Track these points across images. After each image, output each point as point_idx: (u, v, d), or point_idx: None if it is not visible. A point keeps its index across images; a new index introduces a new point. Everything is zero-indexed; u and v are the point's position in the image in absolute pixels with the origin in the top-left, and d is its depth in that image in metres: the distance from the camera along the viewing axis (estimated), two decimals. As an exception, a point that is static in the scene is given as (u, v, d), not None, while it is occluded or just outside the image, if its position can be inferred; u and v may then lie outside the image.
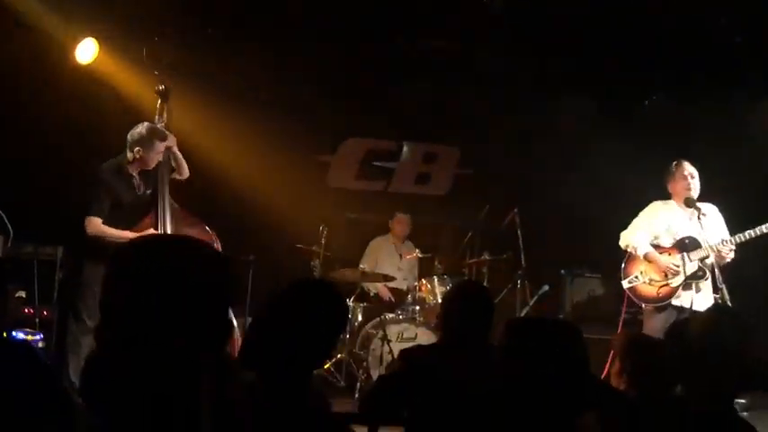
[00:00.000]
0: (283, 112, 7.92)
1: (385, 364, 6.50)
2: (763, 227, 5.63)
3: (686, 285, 5.80)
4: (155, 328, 1.27)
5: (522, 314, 7.10)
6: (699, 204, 5.78)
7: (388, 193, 9.12)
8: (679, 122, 7.94)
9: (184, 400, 1.28)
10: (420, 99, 8.26)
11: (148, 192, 5.38)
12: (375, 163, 9.07)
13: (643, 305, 6.01)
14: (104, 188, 5.16)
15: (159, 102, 5.49)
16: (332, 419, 2.11)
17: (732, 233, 5.78)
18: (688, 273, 5.77)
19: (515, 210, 7.34)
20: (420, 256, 7.66)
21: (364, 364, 6.79)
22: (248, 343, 2.15)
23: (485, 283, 7.19)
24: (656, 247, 5.95)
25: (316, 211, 7.87)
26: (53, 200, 5.99)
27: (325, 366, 6.92)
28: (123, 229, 5.14)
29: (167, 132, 5.40)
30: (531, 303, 7.18)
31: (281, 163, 7.89)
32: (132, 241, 1.43)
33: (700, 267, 5.78)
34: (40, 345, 5.88)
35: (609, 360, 5.56)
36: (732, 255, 5.69)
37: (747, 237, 5.66)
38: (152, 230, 5.17)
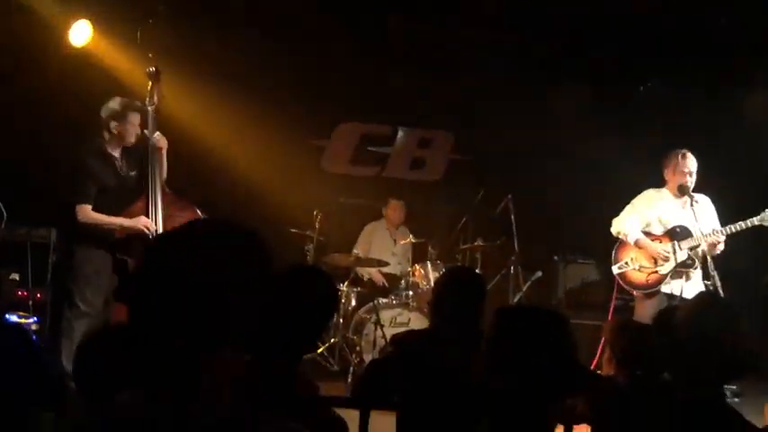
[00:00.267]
0: (278, 96, 7.90)
1: (378, 348, 6.52)
2: (755, 219, 5.64)
3: (676, 273, 5.83)
4: (158, 327, 1.27)
5: (515, 300, 7.14)
6: (692, 194, 5.79)
7: (382, 178, 9.12)
8: (673, 109, 7.94)
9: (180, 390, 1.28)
10: (415, 84, 8.24)
11: (132, 173, 5.34)
12: (370, 148, 9.06)
13: (633, 292, 6.04)
14: (89, 174, 5.12)
15: (150, 84, 5.43)
16: (319, 405, 2.12)
17: (724, 224, 5.80)
18: (678, 261, 5.79)
19: (509, 196, 7.35)
20: (414, 241, 7.67)
21: (357, 348, 6.81)
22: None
23: (478, 269, 7.21)
24: (648, 234, 5.97)
25: (309, 196, 7.88)
26: (46, 182, 5.97)
27: (319, 350, 6.95)
28: (112, 212, 5.12)
29: (158, 135, 5.34)
30: (524, 289, 7.22)
31: (275, 147, 7.88)
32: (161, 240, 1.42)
33: (689, 256, 5.80)
34: (34, 327, 5.89)
35: (600, 346, 5.62)
36: (722, 246, 5.70)
37: (738, 228, 5.68)
38: (143, 217, 5.15)
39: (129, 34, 6.87)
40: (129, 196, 5.28)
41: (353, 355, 6.81)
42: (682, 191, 5.82)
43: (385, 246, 8.05)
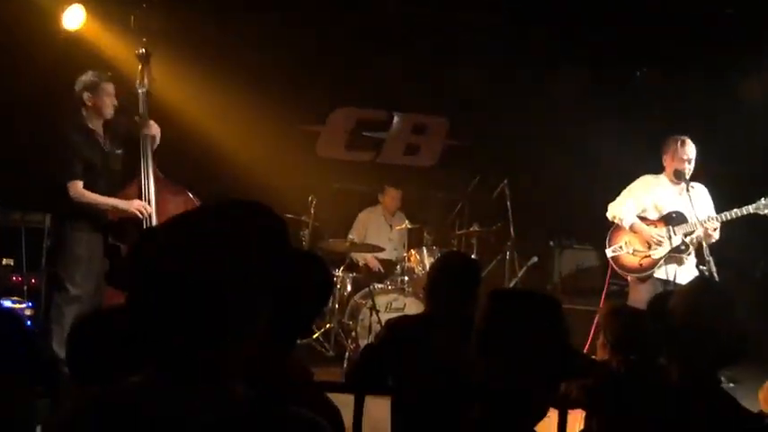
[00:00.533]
0: (273, 81, 7.87)
1: (374, 333, 6.52)
2: (750, 207, 5.64)
3: (669, 258, 5.83)
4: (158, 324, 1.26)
5: (511, 285, 7.14)
6: (688, 180, 5.79)
7: (377, 164, 9.10)
8: (671, 95, 7.93)
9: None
10: (411, 69, 8.21)
11: (118, 151, 5.31)
12: (365, 133, 9.04)
13: (627, 276, 6.05)
14: (73, 150, 5.08)
15: (140, 66, 5.37)
16: (311, 391, 2.11)
17: (721, 211, 5.79)
18: (672, 246, 5.80)
19: (505, 181, 7.35)
20: (409, 226, 7.66)
21: (353, 333, 6.82)
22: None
23: (474, 255, 7.22)
24: (643, 219, 5.97)
25: (305, 182, 7.86)
26: (40, 167, 5.94)
27: (314, 336, 6.96)
28: (100, 191, 5.09)
29: (151, 123, 5.29)
30: (520, 274, 7.22)
31: (270, 132, 7.86)
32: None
33: (683, 242, 5.80)
34: (28, 313, 5.88)
35: (592, 331, 5.64)
36: (717, 234, 5.70)
37: (733, 215, 5.67)
38: (137, 200, 5.13)
39: (123, 19, 6.83)
40: (115, 176, 5.24)
41: (349, 341, 6.82)
42: (678, 176, 5.81)
43: (381, 232, 8.05)
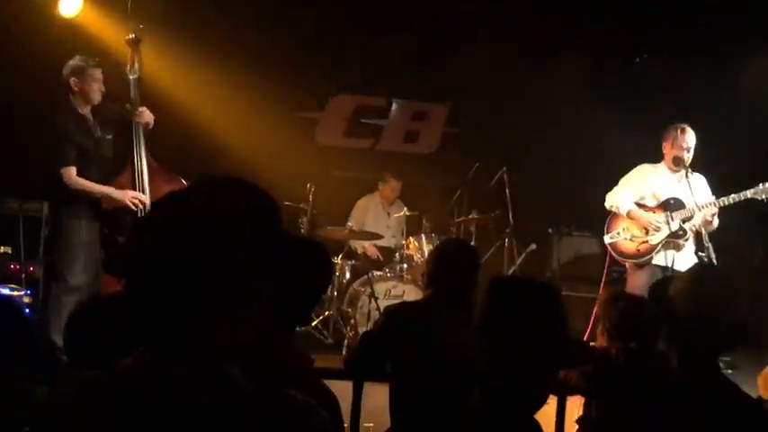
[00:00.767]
0: (272, 67, 7.84)
1: (372, 321, 6.53)
2: (748, 192, 5.63)
3: (667, 244, 5.83)
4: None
5: (510, 272, 7.14)
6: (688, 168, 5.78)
7: (376, 151, 9.09)
8: (672, 82, 7.91)
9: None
10: (410, 56, 8.18)
11: (108, 137, 5.28)
12: (363, 120, 9.02)
13: (625, 262, 6.05)
14: (65, 136, 5.06)
15: (130, 52, 5.32)
16: (310, 378, 2.11)
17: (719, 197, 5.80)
18: (669, 232, 5.80)
19: (504, 168, 7.33)
20: (408, 214, 7.65)
21: (352, 321, 6.83)
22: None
23: (472, 242, 7.21)
24: (641, 206, 5.96)
25: (303, 169, 7.84)
26: (37, 155, 5.92)
27: (313, 323, 6.96)
28: (91, 178, 5.07)
29: (144, 109, 5.25)
30: (519, 262, 7.22)
31: (268, 120, 7.83)
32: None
33: (681, 227, 5.80)
34: (26, 300, 5.88)
35: (592, 318, 5.64)
36: (716, 221, 5.69)
37: (731, 201, 5.67)
38: (130, 191, 5.11)
39: (120, 4, 6.78)
40: (107, 162, 5.21)
41: (348, 328, 6.83)
42: (677, 163, 5.81)
43: (379, 219, 8.03)
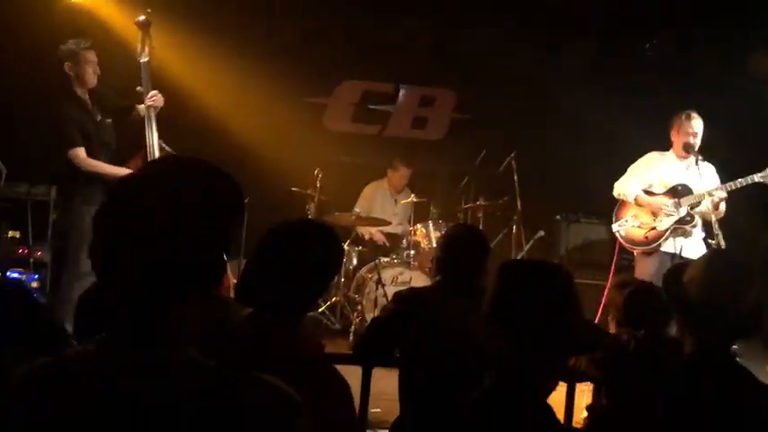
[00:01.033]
0: (279, 54, 7.81)
1: (379, 307, 6.53)
2: (756, 176, 5.60)
3: (675, 231, 5.82)
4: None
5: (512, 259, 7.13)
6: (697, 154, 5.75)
7: (383, 137, 9.06)
8: (679, 69, 7.86)
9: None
10: (417, 41, 8.14)
11: (108, 120, 5.27)
12: (371, 106, 8.98)
13: (633, 250, 6.03)
14: (69, 119, 5.04)
15: (140, 35, 5.26)
16: (322, 364, 2.10)
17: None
18: (676, 218, 5.78)
19: (513, 154, 7.30)
20: (415, 200, 7.63)
21: (359, 307, 6.83)
22: (245, 281, 2.13)
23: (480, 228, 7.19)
24: (649, 194, 5.95)
25: (310, 155, 7.82)
26: (45, 139, 5.92)
27: (320, 309, 6.97)
28: (101, 161, 5.06)
29: (155, 93, 5.23)
30: (526, 248, 7.21)
31: (275, 105, 7.81)
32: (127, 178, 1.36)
33: (689, 213, 5.79)
34: (34, 285, 5.89)
35: (601, 305, 5.63)
36: (723, 207, 5.67)
37: (739, 185, 5.65)
38: None
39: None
40: (110, 147, 5.20)
41: (355, 314, 6.84)
42: (687, 149, 5.79)
43: (386, 206, 8.02)
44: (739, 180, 5.65)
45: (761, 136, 7.37)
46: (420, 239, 7.30)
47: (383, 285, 6.65)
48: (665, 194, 5.90)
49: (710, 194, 5.63)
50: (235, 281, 4.95)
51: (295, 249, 2.11)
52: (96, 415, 1.19)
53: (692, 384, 2.15)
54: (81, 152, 5.01)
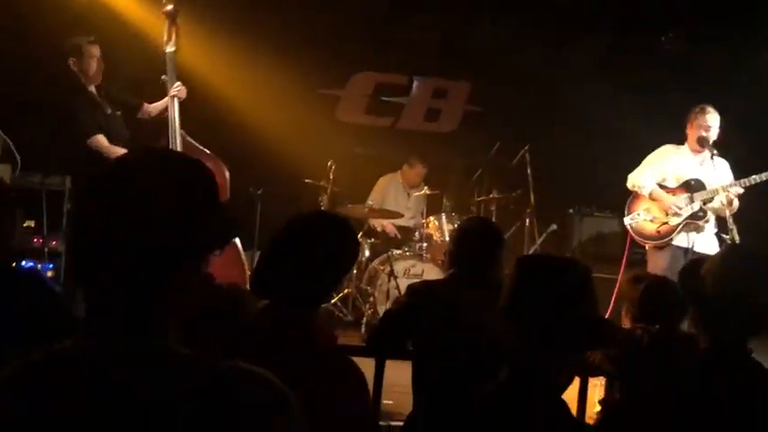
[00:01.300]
0: (293, 45, 7.80)
1: (391, 299, 6.54)
2: None
3: (687, 226, 5.80)
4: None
5: (530, 253, 7.12)
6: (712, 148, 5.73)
7: (396, 129, 9.05)
8: (694, 63, 7.81)
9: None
10: (431, 33, 8.12)
11: (118, 113, 5.27)
12: (384, 98, 8.97)
13: (645, 244, 6.01)
14: (83, 111, 5.07)
15: (167, 24, 5.29)
16: (338, 352, 2.11)
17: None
18: (690, 213, 5.77)
19: (526, 147, 7.28)
20: (428, 193, 7.63)
21: (371, 299, 6.84)
22: (260, 273, 2.14)
23: (492, 221, 7.18)
24: (663, 188, 5.94)
25: (324, 146, 7.81)
26: (60, 129, 5.95)
27: (332, 301, 6.98)
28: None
29: (179, 84, 5.24)
30: (539, 242, 7.20)
31: (289, 97, 7.81)
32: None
33: (701, 209, 5.77)
34: (49, 274, 5.93)
35: (612, 299, 5.63)
36: (736, 203, 5.65)
37: (755, 181, 5.63)
38: None
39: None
40: (123, 139, 5.21)
41: (367, 306, 6.85)
42: (701, 143, 5.77)
43: (399, 199, 8.02)
44: (754, 176, 5.64)
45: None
46: (432, 232, 7.30)
47: (395, 277, 6.66)
48: (679, 188, 5.88)
49: (725, 190, 5.61)
50: (250, 273, 4.97)
51: (310, 241, 2.11)
52: (88, 408, 1.18)
53: (706, 380, 2.15)
54: (102, 139, 5.03)
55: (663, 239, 5.84)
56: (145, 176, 1.26)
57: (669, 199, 5.84)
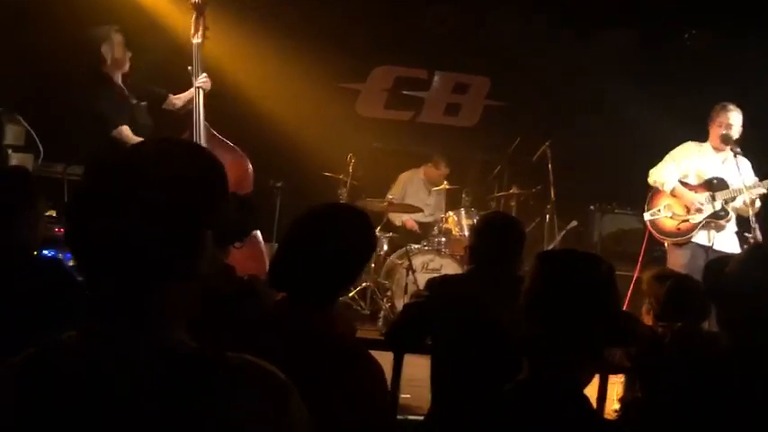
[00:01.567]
0: (314, 39, 7.79)
1: (409, 293, 6.54)
2: None
3: (707, 224, 5.76)
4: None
5: (549, 249, 7.08)
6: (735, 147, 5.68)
7: (416, 124, 9.03)
8: (721, 59, 7.73)
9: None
10: (452, 27, 8.08)
11: (143, 103, 5.30)
12: (404, 92, 8.94)
13: (665, 241, 5.97)
14: (108, 101, 5.08)
15: (194, 16, 5.30)
16: (357, 345, 2.10)
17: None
18: (711, 211, 5.72)
19: (548, 143, 7.24)
20: (448, 187, 7.61)
21: (389, 293, 6.85)
22: (277, 266, 2.13)
23: (512, 217, 7.15)
24: (684, 185, 5.90)
25: (344, 140, 7.81)
26: (83, 119, 5.98)
27: (350, 294, 6.98)
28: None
29: (205, 76, 5.26)
30: (558, 238, 7.16)
31: (309, 90, 7.82)
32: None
33: (723, 208, 5.73)
34: (70, 264, 5.96)
35: (628, 295, 5.61)
36: (758, 203, 5.61)
37: None
38: None
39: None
40: (146, 130, 5.22)
41: (384, 300, 6.85)
42: (725, 140, 5.72)
43: (419, 196, 8.03)
44: None
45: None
46: (451, 227, 7.29)
47: (413, 272, 6.65)
48: (700, 186, 5.84)
49: (749, 190, 5.56)
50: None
51: (327, 234, 2.10)
52: (81, 401, 1.17)
53: (729, 379, 2.12)
54: (126, 130, 5.04)
55: (683, 236, 5.80)
56: (147, 166, 1.25)
57: (691, 195, 5.80)
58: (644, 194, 6.14)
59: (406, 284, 6.68)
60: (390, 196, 7.65)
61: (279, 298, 2.12)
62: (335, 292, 2.17)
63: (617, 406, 3.48)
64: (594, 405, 3.12)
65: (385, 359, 3.07)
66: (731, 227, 5.82)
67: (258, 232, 4.96)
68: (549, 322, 1.73)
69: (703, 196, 5.79)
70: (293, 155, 7.55)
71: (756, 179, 5.72)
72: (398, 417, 3.68)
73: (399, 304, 6.60)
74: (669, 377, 2.58)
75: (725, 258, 2.30)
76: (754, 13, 7.17)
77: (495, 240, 3.21)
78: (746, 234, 5.66)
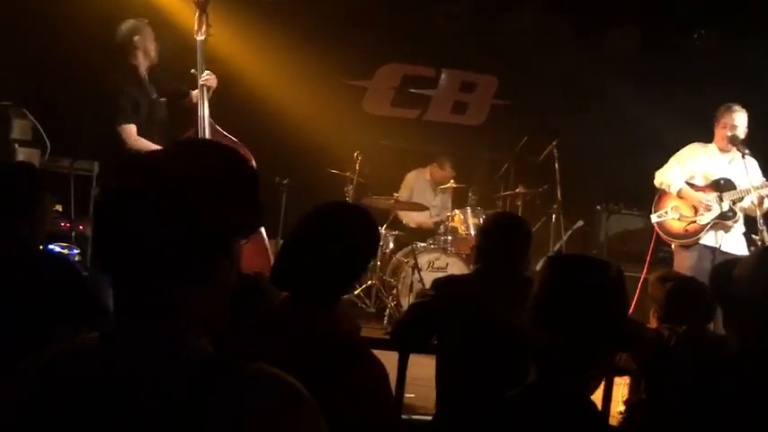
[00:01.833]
0: (321, 36, 7.79)
1: (415, 292, 6.53)
2: None
3: (715, 225, 5.74)
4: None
5: (555, 248, 7.08)
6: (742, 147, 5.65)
7: (423, 122, 9.02)
8: (728, 60, 7.70)
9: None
10: (459, 26, 8.07)
11: (162, 99, 5.30)
12: (411, 90, 8.93)
13: (672, 242, 5.95)
14: (124, 95, 5.07)
15: (197, 13, 5.30)
16: (361, 344, 2.09)
17: None
18: (718, 212, 5.70)
19: (555, 142, 7.22)
20: (454, 186, 7.60)
21: (394, 291, 6.84)
22: (281, 264, 2.12)
23: (518, 216, 7.14)
24: (691, 186, 5.87)
25: (351, 137, 7.81)
26: (90, 114, 5.99)
27: (355, 292, 6.98)
28: (147, 138, 5.08)
29: (209, 74, 5.27)
30: (565, 238, 7.14)
31: (316, 88, 7.82)
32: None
33: (731, 209, 5.70)
34: (76, 259, 5.97)
35: (635, 297, 5.59)
36: (767, 203, 5.58)
37: None
38: None
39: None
40: (162, 126, 5.23)
41: (390, 298, 6.85)
42: (733, 142, 5.69)
43: (425, 196, 8.03)
44: None
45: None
46: (457, 225, 7.28)
47: (419, 270, 6.65)
48: (707, 187, 5.82)
49: (757, 190, 5.53)
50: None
51: (332, 233, 2.09)
52: (95, 402, 1.17)
53: (733, 381, 2.11)
54: (131, 129, 5.04)
55: (690, 238, 5.78)
56: (172, 167, 1.25)
57: (699, 195, 5.77)
58: (651, 195, 6.12)
59: (412, 283, 6.68)
60: (397, 195, 7.65)
61: (282, 297, 2.12)
62: (340, 291, 2.17)
63: (622, 408, 3.47)
64: (599, 407, 3.12)
65: (390, 359, 3.07)
66: (739, 228, 5.79)
67: (262, 228, 4.97)
68: (558, 327, 1.72)
69: (711, 196, 5.77)
70: (299, 152, 7.55)
71: (764, 179, 5.70)
72: (403, 416, 3.68)
73: (405, 302, 6.60)
74: (674, 379, 2.57)
75: (732, 261, 2.28)
76: (759, 12, 7.13)
77: (501, 240, 3.19)
78: (753, 236, 5.63)
